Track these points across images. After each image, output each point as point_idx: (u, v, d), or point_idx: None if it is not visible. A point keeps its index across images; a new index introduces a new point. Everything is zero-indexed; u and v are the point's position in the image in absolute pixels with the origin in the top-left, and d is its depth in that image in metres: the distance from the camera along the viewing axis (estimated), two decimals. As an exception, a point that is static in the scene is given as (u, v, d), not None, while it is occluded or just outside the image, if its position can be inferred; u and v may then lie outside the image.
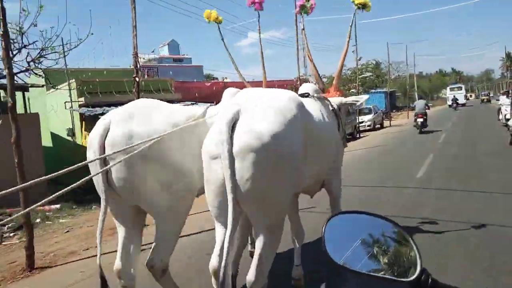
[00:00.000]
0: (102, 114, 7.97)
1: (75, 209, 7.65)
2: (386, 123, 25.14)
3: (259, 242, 2.31)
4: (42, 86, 9.24)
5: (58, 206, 7.66)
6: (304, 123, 2.44)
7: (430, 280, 0.92)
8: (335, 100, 3.43)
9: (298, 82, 16.53)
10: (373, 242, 1.05)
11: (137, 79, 6.00)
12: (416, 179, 7.61)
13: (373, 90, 26.53)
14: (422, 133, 15.80)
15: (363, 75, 21.73)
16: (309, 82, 22.92)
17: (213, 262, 2.40)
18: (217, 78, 37.81)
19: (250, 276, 2.28)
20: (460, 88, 40.10)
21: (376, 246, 1.04)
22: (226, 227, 2.20)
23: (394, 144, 14.37)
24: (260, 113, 2.25)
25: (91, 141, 2.66)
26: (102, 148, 2.56)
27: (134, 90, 6.22)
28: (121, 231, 2.82)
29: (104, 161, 2.54)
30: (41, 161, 8.66)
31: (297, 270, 3.36)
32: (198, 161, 2.44)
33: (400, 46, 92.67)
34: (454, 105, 32.50)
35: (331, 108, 3.24)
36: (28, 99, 15.22)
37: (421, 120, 15.93)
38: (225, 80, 28.83)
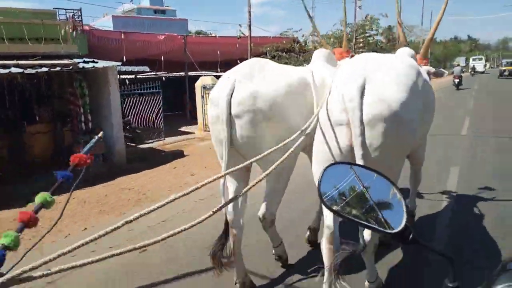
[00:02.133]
0: None
1: None
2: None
3: None
4: None
5: None
6: (422, 91, 2.44)
7: (411, 236, 0.97)
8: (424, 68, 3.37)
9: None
10: (365, 193, 1.09)
11: None
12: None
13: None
14: (459, 89, 22.64)
15: (363, 34, 16.87)
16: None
17: (329, 224, 2.43)
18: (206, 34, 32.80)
19: (366, 236, 2.32)
20: (480, 59, 48.24)
21: (367, 196, 1.08)
22: None
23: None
24: (388, 81, 2.25)
25: (215, 99, 2.69)
26: (229, 106, 2.59)
27: None
28: (231, 186, 2.97)
29: (230, 120, 2.61)
30: None
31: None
32: (303, 121, 2.57)
33: (414, 8, 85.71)
34: (473, 72, 38.69)
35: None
36: None
37: (458, 80, 23.19)
38: (200, 34, 24.12)
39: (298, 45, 17.78)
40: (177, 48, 15.48)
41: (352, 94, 2.18)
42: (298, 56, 15.93)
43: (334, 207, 1.09)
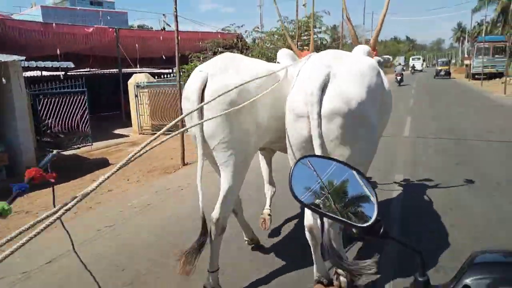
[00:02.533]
0: None
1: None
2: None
3: None
4: None
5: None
6: (380, 91, 2.60)
7: (382, 229, 0.98)
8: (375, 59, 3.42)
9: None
10: (338, 187, 1.09)
11: None
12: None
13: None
14: (400, 86, 25.35)
15: (307, 31, 16.54)
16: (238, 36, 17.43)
17: (309, 219, 2.57)
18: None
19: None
20: (419, 59, 52.98)
21: (340, 190, 1.09)
22: None
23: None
24: (349, 79, 2.39)
25: (188, 92, 2.70)
26: (201, 100, 2.59)
27: None
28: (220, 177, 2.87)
29: (201, 113, 2.59)
30: None
31: None
32: (269, 117, 2.74)
33: (356, 9, 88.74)
34: (413, 70, 42.93)
35: None
36: None
37: (400, 77, 26.22)
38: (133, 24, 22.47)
39: (241, 42, 17.09)
40: (109, 42, 14.04)
41: (313, 89, 2.31)
42: (240, 53, 15.23)
43: (305, 201, 1.08)
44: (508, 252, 0.98)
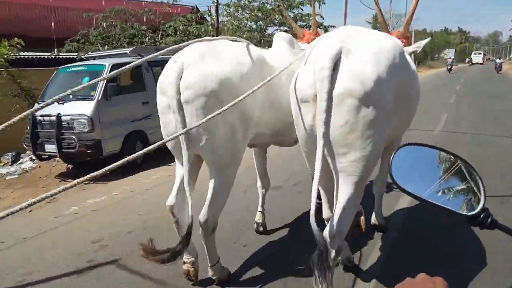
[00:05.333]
0: None
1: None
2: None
3: (341, 198, 2.16)
4: None
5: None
6: (402, 72, 2.29)
7: (490, 219, 0.95)
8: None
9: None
10: (440, 174, 1.08)
11: None
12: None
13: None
14: (450, 72, 32.94)
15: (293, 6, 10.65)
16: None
17: (327, 212, 2.49)
18: None
19: (329, 230, 2.27)
20: (480, 53, 58.62)
21: (442, 178, 1.07)
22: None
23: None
24: (367, 56, 2.08)
25: (163, 84, 2.49)
26: (179, 92, 2.38)
27: None
28: (180, 172, 2.72)
29: (181, 107, 2.39)
30: None
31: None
32: (258, 109, 2.56)
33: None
34: (470, 63, 51.92)
35: None
36: None
37: (450, 67, 34.41)
38: None
39: (209, 25, 11.45)
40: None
41: (324, 64, 2.00)
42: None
43: (407, 189, 1.05)
44: None
